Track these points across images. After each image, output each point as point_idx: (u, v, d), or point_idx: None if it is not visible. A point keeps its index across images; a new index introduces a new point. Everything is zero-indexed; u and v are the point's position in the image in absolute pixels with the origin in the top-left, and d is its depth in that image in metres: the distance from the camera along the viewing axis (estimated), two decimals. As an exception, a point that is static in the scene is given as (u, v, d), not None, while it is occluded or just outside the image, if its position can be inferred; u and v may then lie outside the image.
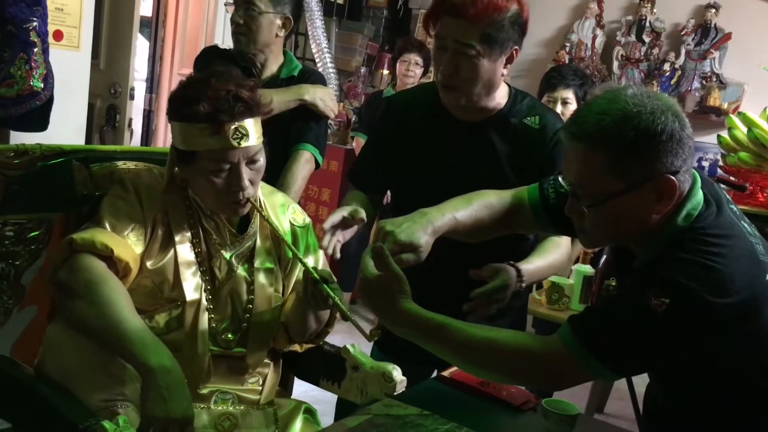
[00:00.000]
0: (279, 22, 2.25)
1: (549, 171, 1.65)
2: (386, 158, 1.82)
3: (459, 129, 1.72)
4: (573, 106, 3.02)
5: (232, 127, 1.42)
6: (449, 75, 1.62)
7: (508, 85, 1.77)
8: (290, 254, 1.62)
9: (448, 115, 1.73)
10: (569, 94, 2.95)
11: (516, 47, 1.64)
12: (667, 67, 4.76)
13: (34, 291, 1.54)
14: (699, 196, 1.25)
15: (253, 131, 1.46)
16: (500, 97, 1.71)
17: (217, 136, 1.42)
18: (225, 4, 2.36)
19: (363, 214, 1.60)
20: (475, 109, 1.69)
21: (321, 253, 1.67)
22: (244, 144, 1.44)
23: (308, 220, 1.71)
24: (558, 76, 2.98)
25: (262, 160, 1.52)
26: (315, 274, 1.44)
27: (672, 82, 4.74)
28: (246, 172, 1.47)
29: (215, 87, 1.43)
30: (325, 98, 2.30)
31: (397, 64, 4.17)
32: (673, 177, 1.18)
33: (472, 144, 1.72)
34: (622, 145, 1.17)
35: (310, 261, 1.61)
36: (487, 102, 1.69)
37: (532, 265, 1.67)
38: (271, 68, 2.31)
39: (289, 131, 2.29)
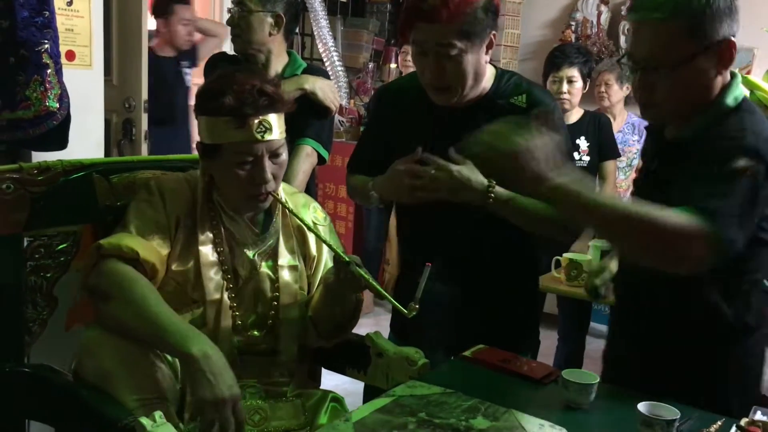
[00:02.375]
0: (270, 20, 2.29)
1: None
2: (382, 147, 1.84)
3: (449, 116, 1.73)
4: (579, 84, 3.06)
5: (256, 120, 1.47)
6: (436, 78, 1.64)
7: (494, 66, 1.77)
8: (314, 248, 1.67)
9: (433, 103, 1.73)
10: (574, 72, 2.99)
11: (494, 32, 1.66)
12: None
13: (79, 311, 1.61)
14: (741, 89, 1.43)
15: (276, 126, 1.51)
16: (486, 80, 1.72)
17: (241, 129, 1.47)
18: (228, 10, 2.40)
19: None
20: (464, 100, 1.70)
21: (342, 250, 1.71)
22: (267, 137, 1.49)
23: (329, 218, 1.76)
24: (561, 55, 3.02)
25: (284, 155, 1.56)
26: (345, 257, 1.48)
27: (681, 52, 4.70)
28: (269, 166, 1.52)
29: (240, 81, 1.48)
30: (324, 88, 2.34)
31: (399, 57, 4.22)
32: (733, 39, 1.36)
33: (461, 130, 1.69)
34: (694, 10, 1.33)
35: None
36: (475, 91, 1.70)
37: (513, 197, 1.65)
38: (276, 68, 2.35)
39: (292, 127, 2.32)
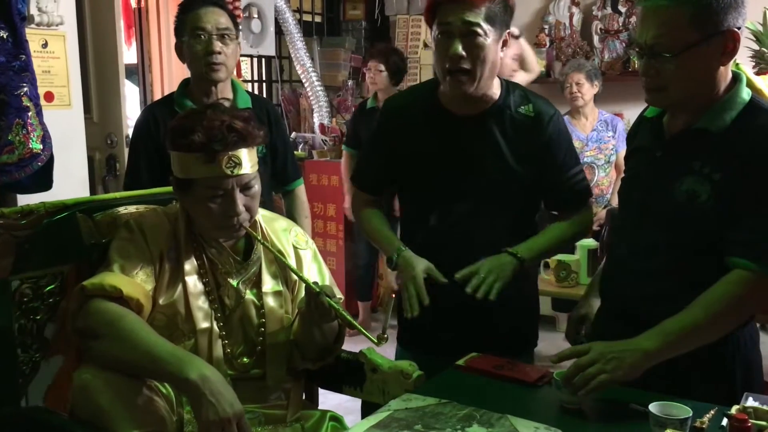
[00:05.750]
0: (239, 47, 2.31)
1: (546, 156, 1.78)
2: (390, 160, 1.88)
3: (460, 124, 1.79)
4: None
5: (226, 156, 1.49)
6: (459, 58, 1.68)
7: (498, 76, 1.83)
8: (293, 273, 1.68)
9: (446, 112, 1.79)
10: None
11: (509, 32, 1.75)
12: (646, 33, 4.77)
13: (57, 341, 1.61)
14: (746, 90, 1.49)
15: (246, 160, 1.53)
16: (495, 87, 1.79)
17: (211, 164, 1.49)
18: (183, 39, 2.25)
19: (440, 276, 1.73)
20: (476, 99, 1.76)
21: (328, 275, 1.73)
22: (237, 172, 1.51)
23: (312, 243, 1.76)
24: None
25: (256, 187, 1.58)
26: (315, 288, 1.50)
27: (654, 47, 4.74)
28: (240, 198, 1.54)
29: (210, 118, 1.50)
30: None
31: (366, 73, 4.25)
32: (738, 31, 1.40)
33: (474, 137, 1.78)
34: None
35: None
36: (488, 89, 1.76)
37: (531, 246, 1.77)
38: (228, 97, 2.28)
39: (277, 174, 2.43)
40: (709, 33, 1.40)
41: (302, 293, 1.67)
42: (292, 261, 1.67)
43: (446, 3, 1.67)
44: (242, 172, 1.52)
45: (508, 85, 1.82)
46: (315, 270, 1.71)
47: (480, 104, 1.77)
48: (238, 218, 1.54)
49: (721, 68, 1.45)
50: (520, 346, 1.93)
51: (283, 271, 1.68)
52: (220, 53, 2.20)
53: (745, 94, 1.47)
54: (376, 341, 1.51)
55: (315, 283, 1.54)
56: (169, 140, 1.57)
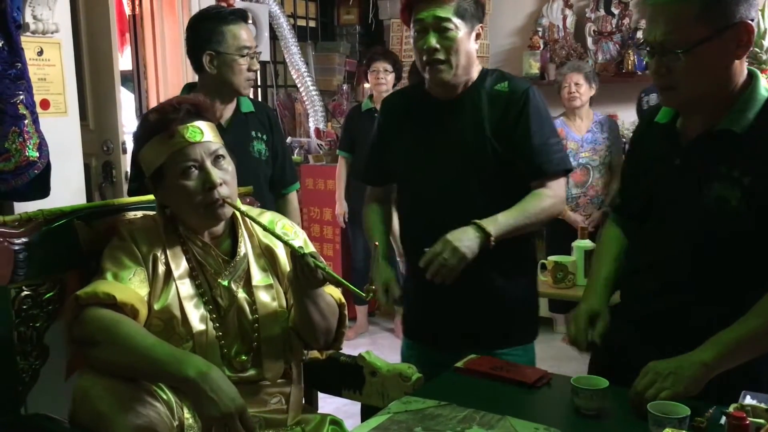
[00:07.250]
0: None
1: (521, 124, 1.88)
2: (389, 149, 2.06)
3: (441, 105, 1.96)
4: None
5: (184, 127, 1.54)
6: (434, 50, 1.85)
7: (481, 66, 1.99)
8: (286, 264, 1.68)
9: (431, 98, 1.97)
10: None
11: (481, 25, 1.93)
12: (640, 35, 4.81)
13: (77, 360, 1.58)
14: (764, 87, 1.46)
15: (207, 130, 1.57)
16: (475, 72, 1.96)
17: (173, 139, 1.54)
18: (218, 51, 2.33)
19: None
20: (457, 84, 1.92)
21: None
22: (200, 139, 1.54)
23: (302, 232, 1.77)
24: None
25: (229, 167, 1.60)
26: (299, 251, 1.51)
27: (648, 48, 4.76)
28: (215, 171, 1.55)
29: (162, 103, 1.60)
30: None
31: (369, 76, 4.26)
32: (751, 23, 1.37)
33: (453, 113, 1.94)
34: None
35: None
36: (467, 76, 1.92)
37: (497, 218, 1.83)
38: (231, 107, 2.46)
39: (274, 181, 2.53)
40: (720, 26, 1.36)
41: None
42: (280, 252, 1.68)
43: (419, 2, 1.86)
44: (205, 139, 1.55)
45: (487, 70, 1.99)
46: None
47: (460, 88, 1.94)
48: (218, 191, 1.55)
49: (736, 63, 1.42)
50: (519, 337, 2.02)
51: (271, 264, 1.69)
52: (254, 72, 2.39)
53: (764, 90, 1.44)
54: (363, 294, 1.53)
55: (300, 247, 1.54)
56: (134, 147, 1.62)
